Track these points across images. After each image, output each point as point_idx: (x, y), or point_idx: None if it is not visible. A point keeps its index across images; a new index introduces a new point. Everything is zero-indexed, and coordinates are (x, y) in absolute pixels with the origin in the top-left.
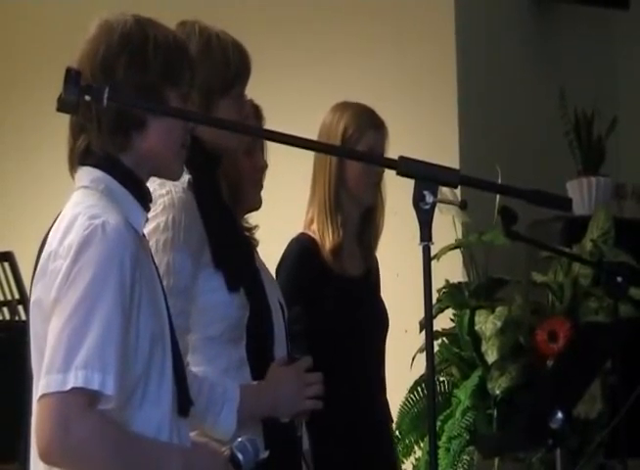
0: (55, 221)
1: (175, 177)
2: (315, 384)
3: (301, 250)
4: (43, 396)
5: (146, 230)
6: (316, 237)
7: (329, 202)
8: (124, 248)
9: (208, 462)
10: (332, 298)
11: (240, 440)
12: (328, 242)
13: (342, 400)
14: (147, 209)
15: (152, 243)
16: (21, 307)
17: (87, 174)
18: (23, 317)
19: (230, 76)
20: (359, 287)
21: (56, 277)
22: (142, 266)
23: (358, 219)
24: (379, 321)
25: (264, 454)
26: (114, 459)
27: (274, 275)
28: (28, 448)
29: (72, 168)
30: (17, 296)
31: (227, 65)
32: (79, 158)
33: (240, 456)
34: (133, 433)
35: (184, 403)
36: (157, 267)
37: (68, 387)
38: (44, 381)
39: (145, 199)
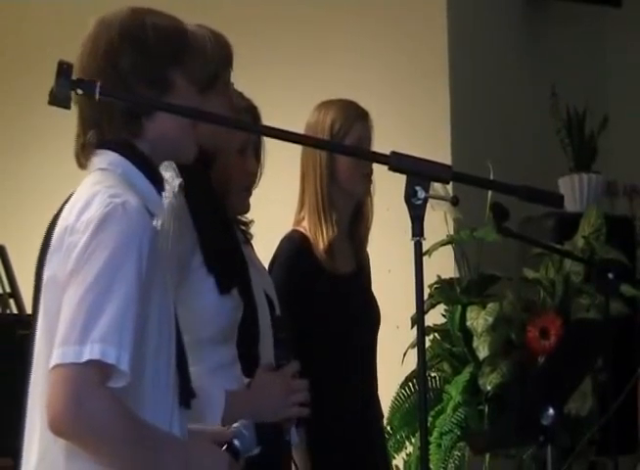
0: (66, 201)
1: (189, 159)
2: (301, 391)
3: (295, 247)
4: (57, 366)
5: None
6: (308, 234)
7: (321, 199)
8: (144, 228)
9: (210, 457)
10: (324, 295)
11: (235, 425)
12: (322, 239)
13: (336, 398)
14: (161, 194)
15: None
16: (12, 301)
17: (105, 157)
18: (15, 311)
19: (211, 71)
20: (351, 284)
21: (73, 250)
22: (157, 250)
23: (349, 215)
24: (371, 318)
25: (256, 450)
26: (122, 437)
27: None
28: (21, 434)
29: (82, 160)
30: (8, 289)
31: (206, 61)
32: (93, 146)
33: (237, 443)
34: (141, 418)
35: (186, 395)
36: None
37: (85, 359)
38: (59, 351)
39: (160, 184)
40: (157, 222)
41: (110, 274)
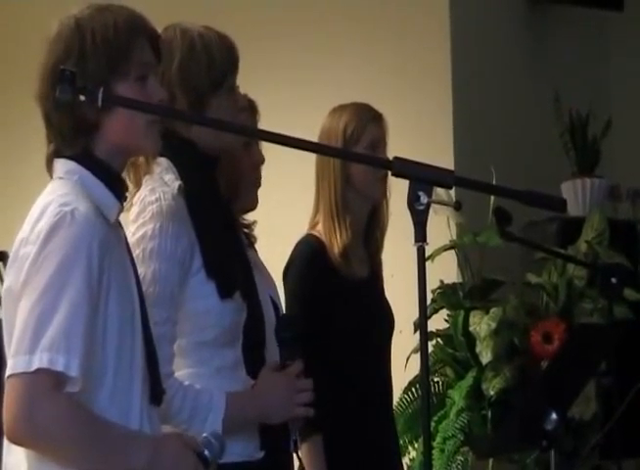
0: None
1: (152, 153)
2: (306, 391)
3: (310, 251)
4: (10, 376)
5: (134, 238)
6: (322, 238)
7: (335, 202)
8: (93, 234)
9: (177, 455)
10: (340, 300)
11: (205, 435)
12: (336, 244)
13: (352, 402)
14: (121, 198)
15: (139, 251)
16: None
17: (62, 166)
18: None
19: (217, 74)
20: (366, 288)
21: (25, 261)
22: (111, 253)
23: (365, 219)
24: (386, 322)
25: (259, 454)
26: (78, 441)
27: (282, 277)
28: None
29: (50, 172)
30: None
31: (213, 63)
32: (53, 156)
33: (206, 452)
34: (103, 418)
35: (156, 392)
36: (132, 258)
37: (34, 368)
38: (11, 362)
39: (119, 189)
40: (116, 227)
41: (58, 283)
